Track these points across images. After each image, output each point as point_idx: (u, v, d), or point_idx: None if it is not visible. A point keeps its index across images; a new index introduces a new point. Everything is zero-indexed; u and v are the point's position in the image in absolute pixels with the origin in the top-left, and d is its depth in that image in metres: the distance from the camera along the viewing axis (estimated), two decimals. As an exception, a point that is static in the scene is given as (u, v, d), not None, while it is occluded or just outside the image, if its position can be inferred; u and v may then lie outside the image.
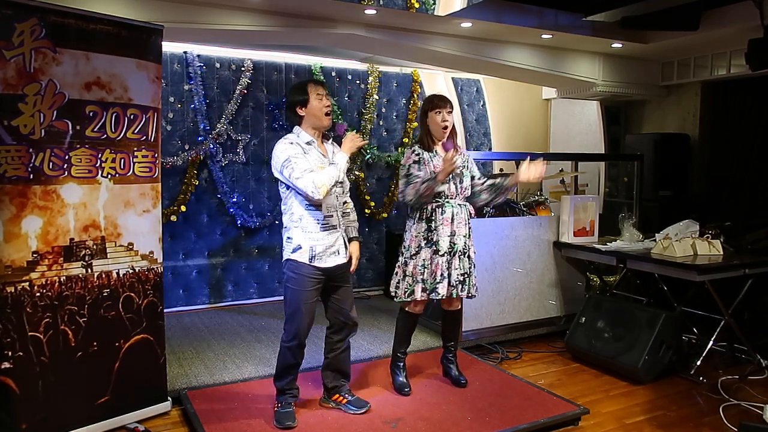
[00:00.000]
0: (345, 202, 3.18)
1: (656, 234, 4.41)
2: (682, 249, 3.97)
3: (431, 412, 3.21)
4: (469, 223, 3.40)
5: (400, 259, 3.41)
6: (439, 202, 3.30)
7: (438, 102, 3.34)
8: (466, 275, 3.36)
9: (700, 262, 3.83)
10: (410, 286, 3.32)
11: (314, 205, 2.94)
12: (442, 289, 3.29)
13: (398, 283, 3.38)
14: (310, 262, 2.95)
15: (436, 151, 3.36)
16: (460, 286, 3.34)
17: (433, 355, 3.96)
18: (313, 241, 2.95)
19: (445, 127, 3.32)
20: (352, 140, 3.00)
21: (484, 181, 3.44)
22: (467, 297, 3.43)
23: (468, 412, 3.20)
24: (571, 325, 4.30)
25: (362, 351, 4.09)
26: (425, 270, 3.30)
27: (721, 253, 4.04)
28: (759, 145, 5.13)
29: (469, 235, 3.40)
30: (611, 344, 3.95)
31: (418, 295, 3.30)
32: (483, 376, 3.72)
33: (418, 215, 3.34)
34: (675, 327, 3.89)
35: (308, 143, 2.98)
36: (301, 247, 2.95)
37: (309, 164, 2.88)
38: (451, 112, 3.35)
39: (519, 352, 4.32)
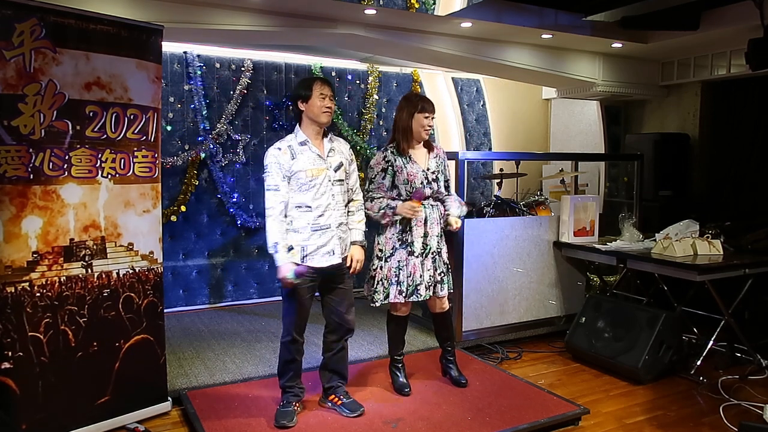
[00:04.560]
0: (352, 200, 3.19)
1: (656, 234, 4.41)
2: (682, 249, 3.97)
3: (431, 412, 3.21)
4: (441, 224, 3.39)
5: (374, 262, 3.36)
6: None
7: (426, 106, 3.31)
8: (443, 274, 3.37)
9: (700, 262, 3.83)
10: (385, 288, 3.29)
11: (305, 205, 2.96)
12: (423, 290, 3.29)
13: (375, 287, 3.32)
14: (303, 261, 2.97)
15: (410, 156, 3.32)
16: (438, 286, 3.35)
17: (433, 355, 3.95)
18: (304, 241, 2.97)
19: (428, 131, 3.32)
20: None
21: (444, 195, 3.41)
22: (442, 296, 3.41)
23: (468, 412, 3.20)
24: (571, 325, 4.30)
25: (362, 351, 4.09)
26: (400, 272, 3.29)
27: (721, 253, 4.04)
28: (759, 145, 5.12)
29: (442, 235, 3.40)
30: (611, 344, 3.95)
31: (393, 296, 3.28)
32: (483, 376, 3.72)
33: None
34: (675, 327, 3.89)
35: (302, 143, 3.00)
36: (293, 248, 2.98)
37: (280, 180, 2.92)
38: (434, 117, 3.36)
39: (519, 352, 4.32)
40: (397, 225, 3.29)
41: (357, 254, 3.14)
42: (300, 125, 3.05)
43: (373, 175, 3.33)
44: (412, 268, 3.29)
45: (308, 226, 2.97)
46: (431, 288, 3.33)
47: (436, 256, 3.35)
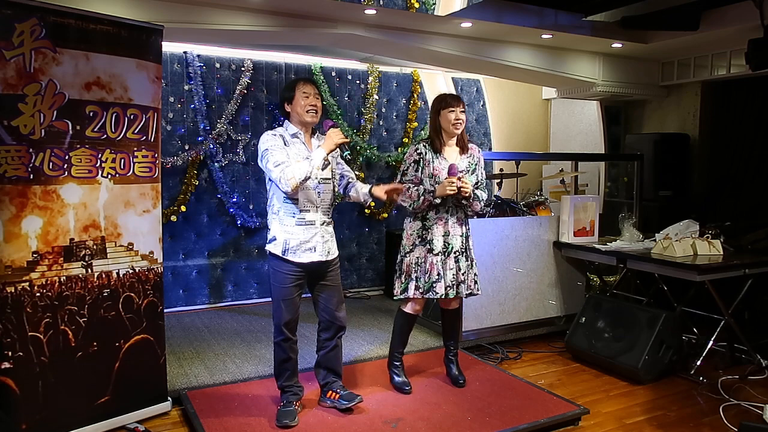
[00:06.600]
0: (349, 181, 3.22)
1: (656, 234, 4.41)
2: (682, 249, 3.97)
3: (431, 412, 3.21)
4: (466, 224, 3.42)
5: (399, 256, 3.43)
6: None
7: (450, 101, 3.33)
8: (464, 274, 3.37)
9: (700, 262, 3.83)
10: (404, 283, 3.35)
11: (291, 198, 2.96)
12: (440, 288, 3.31)
13: (399, 278, 3.40)
14: (283, 254, 2.97)
15: (443, 153, 3.35)
16: (460, 286, 3.36)
17: (433, 355, 3.96)
18: (288, 234, 2.98)
19: (457, 126, 3.31)
20: (333, 137, 2.94)
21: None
22: (469, 295, 3.43)
23: (468, 412, 3.20)
24: (571, 325, 4.30)
25: (362, 351, 4.09)
26: (419, 268, 3.33)
27: (721, 253, 4.04)
28: (759, 145, 5.12)
29: (467, 236, 3.42)
30: (611, 344, 3.95)
31: (411, 292, 3.32)
32: (483, 376, 3.71)
33: (414, 213, 3.38)
34: (675, 327, 3.89)
35: (294, 135, 3.02)
36: (275, 239, 2.99)
37: (285, 157, 2.90)
38: (464, 111, 3.34)
39: (519, 352, 4.32)
40: (419, 221, 3.34)
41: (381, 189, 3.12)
42: (290, 121, 3.08)
43: (405, 168, 3.37)
44: (429, 266, 3.31)
45: (293, 219, 2.98)
46: (454, 287, 3.33)
47: (460, 256, 3.36)
